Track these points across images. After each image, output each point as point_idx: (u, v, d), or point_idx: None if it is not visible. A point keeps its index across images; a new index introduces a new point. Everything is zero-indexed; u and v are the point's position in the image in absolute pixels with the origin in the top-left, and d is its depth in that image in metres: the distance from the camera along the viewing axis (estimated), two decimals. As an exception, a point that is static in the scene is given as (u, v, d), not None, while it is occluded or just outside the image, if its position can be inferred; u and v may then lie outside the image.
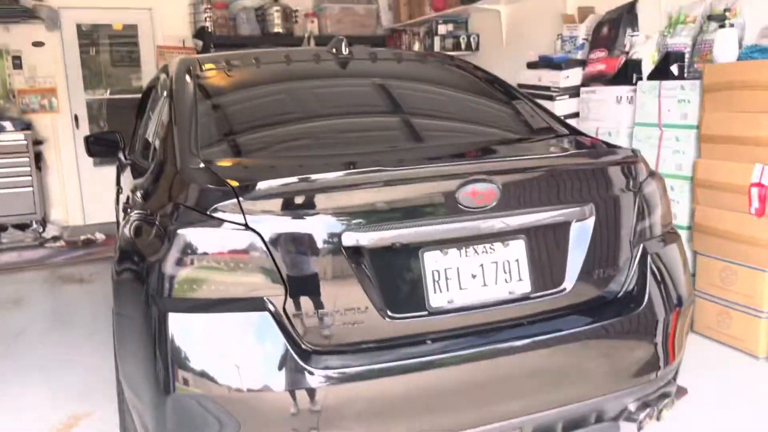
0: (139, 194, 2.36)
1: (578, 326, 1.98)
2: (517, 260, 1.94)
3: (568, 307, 2.00)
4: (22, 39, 6.92)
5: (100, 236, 6.69)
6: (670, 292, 2.15)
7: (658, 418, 2.14)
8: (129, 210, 2.51)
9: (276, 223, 1.76)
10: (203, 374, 1.73)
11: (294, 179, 1.80)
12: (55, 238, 6.66)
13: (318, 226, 1.77)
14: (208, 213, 1.76)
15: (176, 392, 1.73)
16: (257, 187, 1.75)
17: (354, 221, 1.79)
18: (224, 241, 1.75)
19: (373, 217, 1.80)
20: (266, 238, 1.74)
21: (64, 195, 7.27)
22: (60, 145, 7.20)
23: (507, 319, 1.94)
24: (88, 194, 7.30)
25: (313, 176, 1.80)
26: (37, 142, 6.89)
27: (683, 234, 3.73)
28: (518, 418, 1.89)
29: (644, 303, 2.06)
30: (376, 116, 2.60)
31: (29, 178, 6.56)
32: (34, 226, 6.80)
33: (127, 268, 2.07)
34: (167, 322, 1.75)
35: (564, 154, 2.33)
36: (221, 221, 1.75)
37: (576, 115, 4.57)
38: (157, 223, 1.93)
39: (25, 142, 6.52)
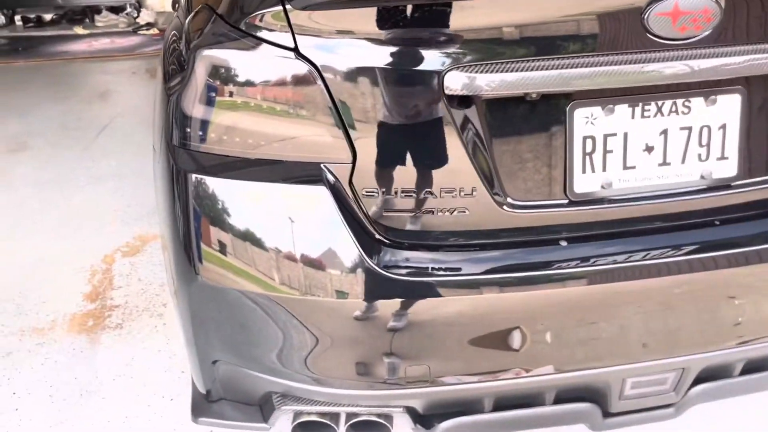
0: None
1: None
2: (723, 126, 1.21)
3: None
4: None
5: (195, 25, 6.16)
6: None
7: None
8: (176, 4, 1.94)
9: (342, 51, 1.12)
10: (230, 264, 1.21)
11: None
12: (149, 25, 6.21)
13: (408, 59, 1.11)
14: (239, 27, 1.14)
15: (201, 279, 1.25)
16: None
17: (465, 53, 1.11)
18: (261, 73, 1.14)
19: (495, 47, 1.11)
20: (326, 74, 1.11)
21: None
22: None
23: (691, 216, 1.27)
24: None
25: None
26: None
27: None
28: (684, 357, 1.30)
29: None
30: None
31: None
32: (129, 9, 6.36)
33: (162, 93, 1.54)
34: (187, 184, 1.22)
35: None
36: (257, 41, 1.12)
37: None
38: (184, 32, 1.37)
39: None
